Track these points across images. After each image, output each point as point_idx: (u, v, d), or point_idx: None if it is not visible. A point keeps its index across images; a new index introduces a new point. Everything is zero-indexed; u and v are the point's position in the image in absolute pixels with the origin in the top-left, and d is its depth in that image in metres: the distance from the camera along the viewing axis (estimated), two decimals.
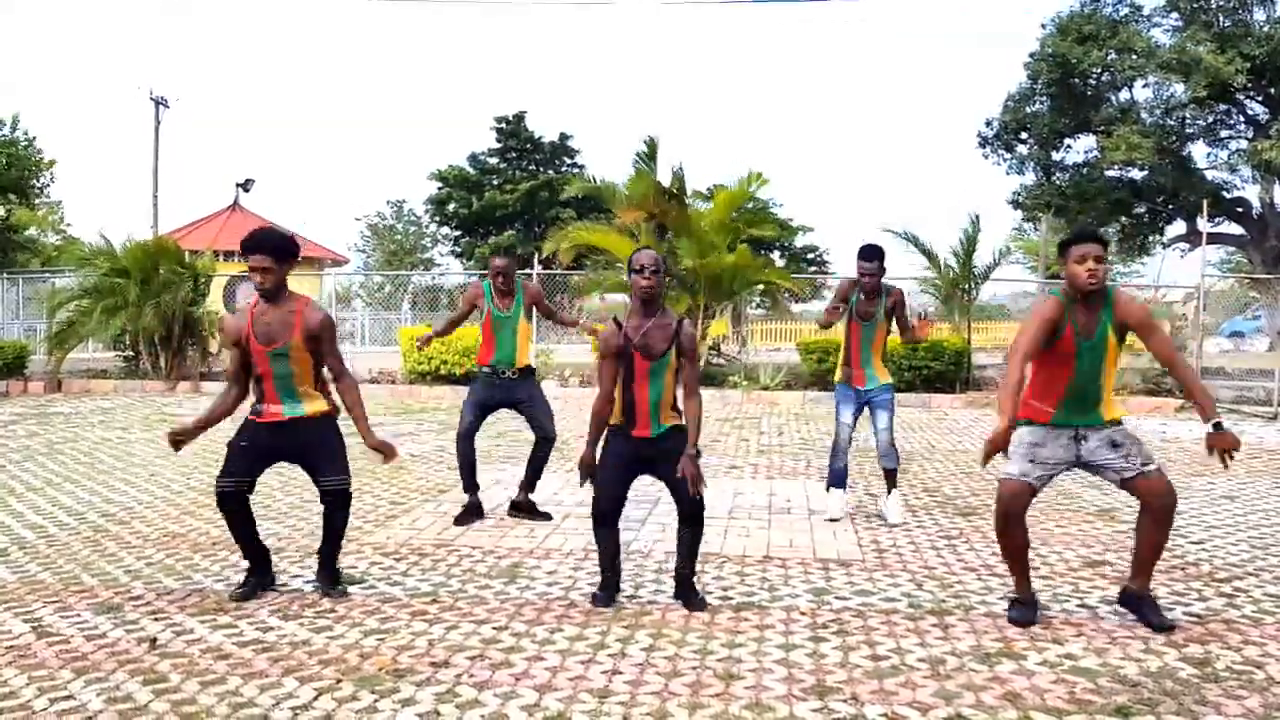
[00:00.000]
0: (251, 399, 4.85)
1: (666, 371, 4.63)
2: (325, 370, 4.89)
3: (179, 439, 4.80)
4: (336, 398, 4.93)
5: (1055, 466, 4.47)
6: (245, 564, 4.94)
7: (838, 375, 6.82)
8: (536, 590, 4.99)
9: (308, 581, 5.11)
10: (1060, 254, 4.47)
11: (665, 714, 3.49)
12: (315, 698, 3.61)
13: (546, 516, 6.63)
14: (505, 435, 10.54)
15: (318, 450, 4.81)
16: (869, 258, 6.44)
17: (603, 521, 4.75)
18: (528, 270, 18.82)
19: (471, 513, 6.56)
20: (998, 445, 4.19)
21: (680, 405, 4.72)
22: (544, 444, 6.61)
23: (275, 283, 4.65)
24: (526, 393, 6.63)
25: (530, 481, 6.67)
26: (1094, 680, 3.84)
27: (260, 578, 4.90)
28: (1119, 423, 4.49)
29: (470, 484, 6.62)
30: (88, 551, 5.70)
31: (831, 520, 6.65)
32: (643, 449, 4.67)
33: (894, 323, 6.71)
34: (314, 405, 4.81)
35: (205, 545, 5.85)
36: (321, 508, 4.93)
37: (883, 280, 6.54)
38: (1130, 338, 4.45)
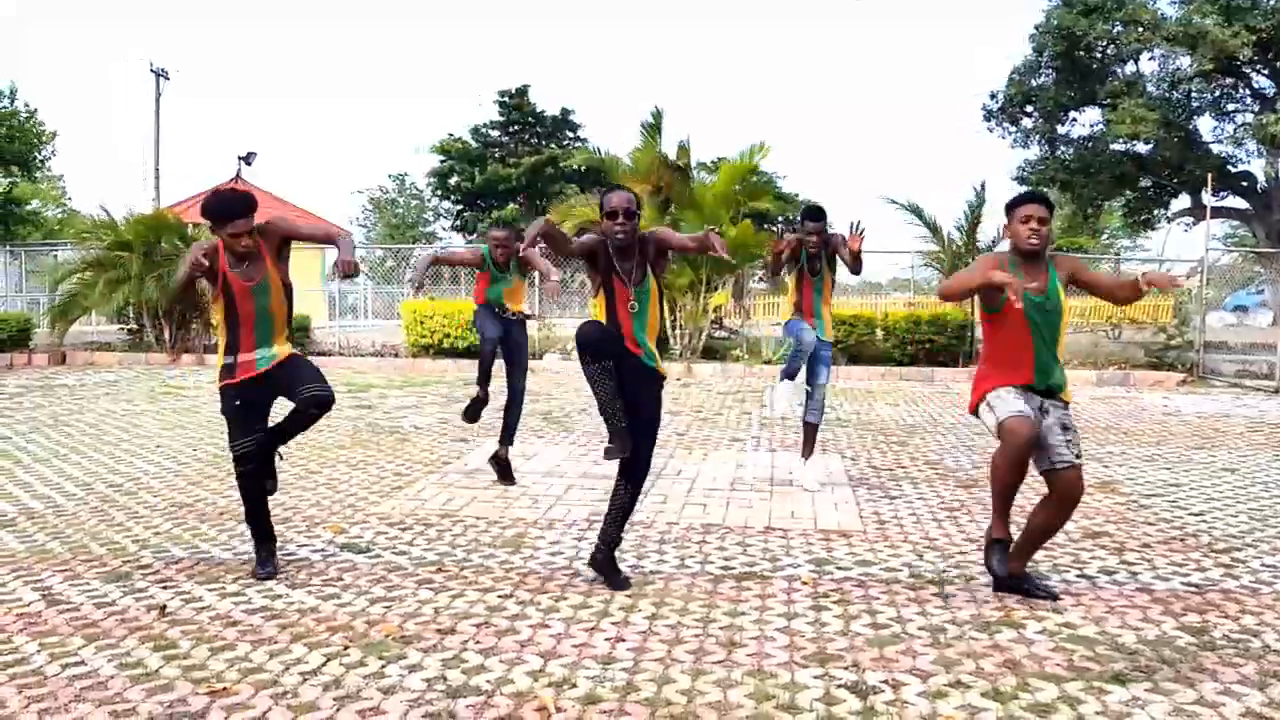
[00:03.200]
0: (223, 359, 4.69)
1: (650, 303, 4.52)
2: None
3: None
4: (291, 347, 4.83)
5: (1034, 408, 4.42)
6: (259, 552, 4.83)
7: (789, 315, 7.02)
8: (540, 560, 5.04)
9: (315, 551, 5.16)
10: (1006, 214, 4.51)
11: (668, 680, 3.54)
12: (324, 663, 3.66)
13: (511, 479, 6.89)
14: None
15: (295, 375, 4.68)
16: (816, 218, 6.81)
17: (584, 350, 4.39)
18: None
19: (480, 405, 6.98)
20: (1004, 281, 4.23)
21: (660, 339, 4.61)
22: (515, 397, 6.97)
23: (252, 241, 4.56)
24: (518, 337, 7.04)
25: (506, 434, 6.96)
26: (1092, 648, 3.89)
27: (270, 553, 4.82)
28: (1067, 406, 4.51)
29: (484, 379, 6.97)
30: (95, 521, 5.75)
31: (777, 415, 7.09)
32: (631, 367, 4.49)
33: (839, 263, 7.00)
34: (284, 349, 4.73)
35: (212, 515, 5.90)
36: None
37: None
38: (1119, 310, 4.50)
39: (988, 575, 4.80)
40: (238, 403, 4.67)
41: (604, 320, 4.53)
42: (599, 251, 4.50)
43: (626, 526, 5.47)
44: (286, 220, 4.83)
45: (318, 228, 5.02)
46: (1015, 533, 4.60)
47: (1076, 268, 4.56)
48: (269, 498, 4.88)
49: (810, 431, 7.04)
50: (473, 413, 7.05)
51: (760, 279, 22.12)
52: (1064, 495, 4.42)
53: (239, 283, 4.59)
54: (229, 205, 4.51)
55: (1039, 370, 4.41)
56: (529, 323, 7.29)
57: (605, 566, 4.64)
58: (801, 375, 6.95)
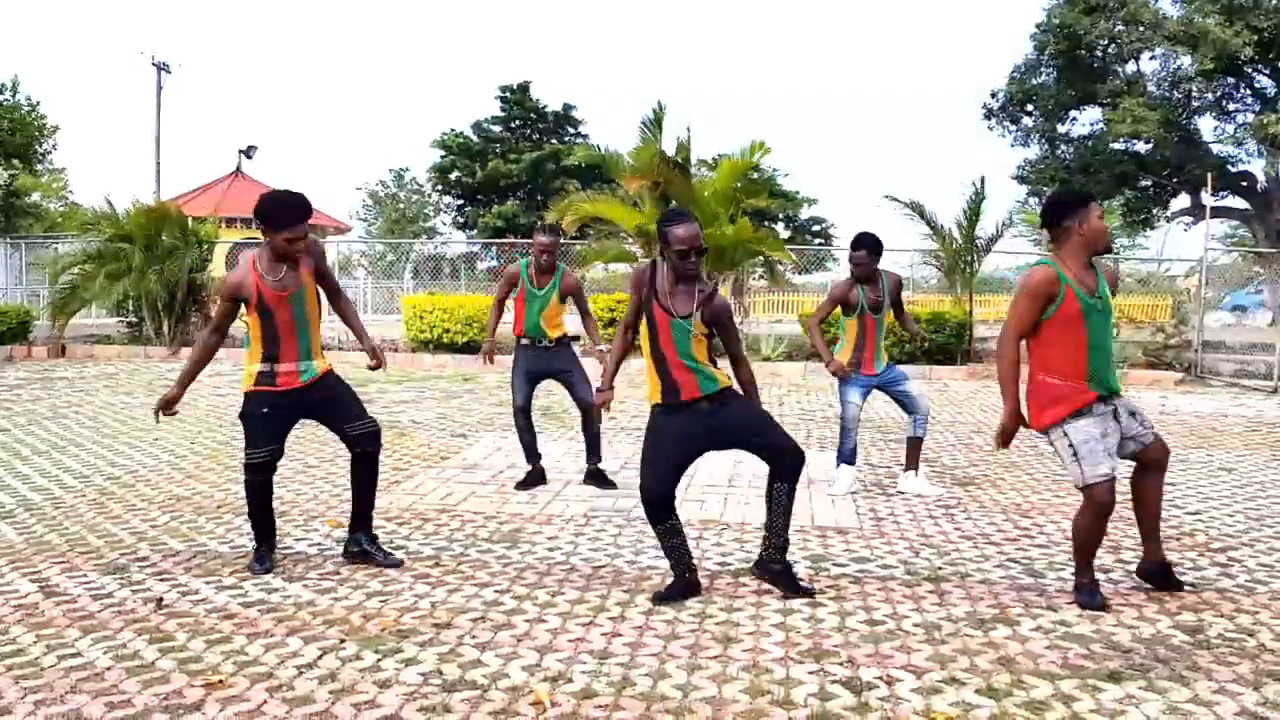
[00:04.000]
0: (258, 365, 4.66)
1: (691, 335, 4.30)
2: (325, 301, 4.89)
3: (169, 407, 4.84)
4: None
5: (1118, 444, 4.38)
6: (253, 537, 4.86)
7: (847, 362, 6.60)
8: (537, 555, 5.05)
9: (312, 545, 5.16)
10: (1072, 213, 4.28)
11: (664, 674, 3.54)
12: (320, 657, 3.66)
13: (612, 485, 6.68)
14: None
15: (337, 401, 4.76)
16: (857, 246, 6.48)
17: (651, 511, 4.35)
18: (530, 240, 18.84)
19: (535, 479, 6.69)
20: (1008, 434, 4.36)
21: (719, 365, 4.42)
22: (585, 413, 6.72)
23: (307, 244, 4.59)
24: (565, 363, 6.72)
25: (592, 450, 6.77)
26: (1087, 646, 3.89)
27: (271, 548, 4.84)
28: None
29: (532, 454, 6.74)
30: (93, 514, 5.75)
31: (835, 495, 6.57)
32: (700, 416, 4.33)
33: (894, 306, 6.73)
34: (323, 362, 4.78)
35: (210, 508, 5.91)
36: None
37: (879, 267, 6.56)
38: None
39: (982, 573, 4.81)
40: (266, 410, 4.65)
41: (649, 353, 4.36)
42: (643, 288, 4.37)
43: (625, 522, 5.49)
44: (323, 254, 4.83)
45: (334, 277, 4.98)
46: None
47: (1114, 278, 4.43)
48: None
49: (918, 445, 6.79)
50: (527, 484, 6.66)
51: (760, 276, 22.13)
52: (1158, 461, 4.52)
53: (273, 293, 4.55)
54: (293, 210, 4.49)
55: (1097, 369, 4.27)
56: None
57: (783, 576, 4.47)
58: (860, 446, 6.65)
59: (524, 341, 6.70)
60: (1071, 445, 4.27)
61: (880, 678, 3.55)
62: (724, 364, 4.49)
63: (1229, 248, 34.47)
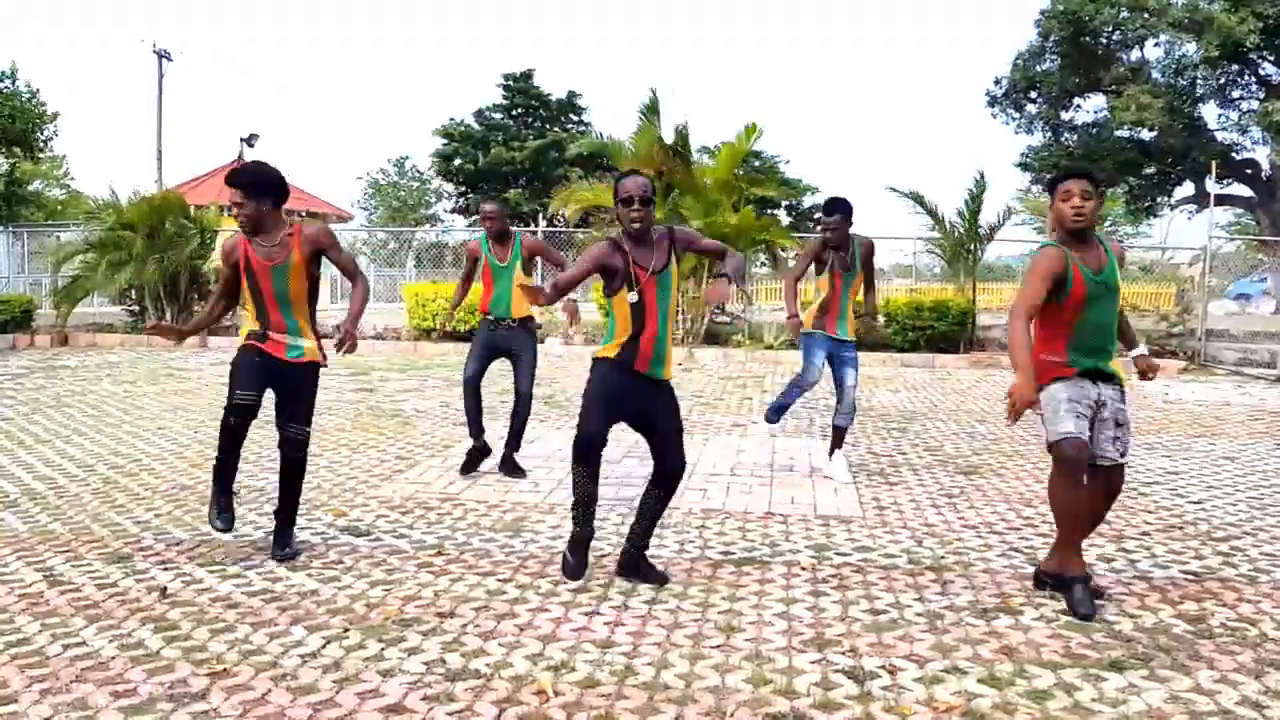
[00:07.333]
0: (252, 325, 4.73)
1: (671, 289, 4.36)
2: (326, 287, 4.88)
3: (162, 329, 4.90)
4: (328, 351, 4.90)
5: (1089, 414, 4.24)
6: (218, 501, 4.77)
7: (810, 323, 6.74)
8: (540, 544, 5.05)
9: (315, 534, 5.17)
10: (1049, 193, 4.35)
11: (666, 664, 3.55)
12: (323, 646, 3.67)
13: (523, 473, 6.61)
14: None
15: (296, 393, 4.75)
16: (830, 211, 6.61)
17: (583, 457, 4.28)
18: (533, 228, 18.81)
19: (477, 456, 6.63)
20: (1023, 401, 4.05)
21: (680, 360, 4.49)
22: (520, 401, 6.64)
23: (250, 217, 4.60)
24: (520, 345, 6.64)
25: (512, 438, 6.69)
26: (1089, 635, 3.90)
27: (229, 505, 4.80)
28: (1122, 390, 4.33)
29: (476, 429, 6.65)
30: (97, 503, 5.76)
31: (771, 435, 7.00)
32: (637, 388, 4.36)
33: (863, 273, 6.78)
34: (310, 346, 4.75)
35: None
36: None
37: (851, 232, 6.65)
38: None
39: (985, 562, 4.81)
40: (256, 359, 4.70)
41: (628, 323, 4.32)
42: (612, 252, 4.33)
43: (629, 511, 5.49)
44: (332, 242, 4.79)
45: (350, 264, 4.97)
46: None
47: (1121, 259, 4.33)
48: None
49: (839, 434, 6.79)
50: (470, 465, 6.63)
51: (763, 263, 22.10)
52: (1103, 488, 4.33)
53: (258, 260, 4.66)
54: (231, 174, 4.71)
55: (1085, 348, 4.21)
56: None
57: (639, 567, 4.49)
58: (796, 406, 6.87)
59: (489, 318, 6.67)
60: (1046, 405, 4.20)
61: (883, 667, 3.56)
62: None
63: (1233, 235, 34.38)
